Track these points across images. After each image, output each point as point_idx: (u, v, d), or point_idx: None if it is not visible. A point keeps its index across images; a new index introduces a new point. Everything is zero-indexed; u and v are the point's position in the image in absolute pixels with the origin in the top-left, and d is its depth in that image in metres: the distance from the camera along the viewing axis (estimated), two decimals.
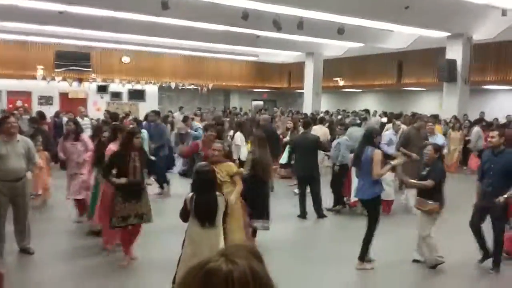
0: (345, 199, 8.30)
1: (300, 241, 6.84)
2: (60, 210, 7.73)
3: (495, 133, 5.46)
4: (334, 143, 8.35)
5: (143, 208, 5.35)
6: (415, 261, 5.67)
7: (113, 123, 8.71)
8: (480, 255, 5.62)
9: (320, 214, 7.87)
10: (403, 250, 5.92)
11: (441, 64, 14.59)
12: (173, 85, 22.00)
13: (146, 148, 8.01)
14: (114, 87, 20.93)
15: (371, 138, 5.58)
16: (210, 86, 22.98)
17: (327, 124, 11.84)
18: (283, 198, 8.95)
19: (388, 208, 8.08)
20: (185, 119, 11.76)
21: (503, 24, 13.98)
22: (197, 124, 11.42)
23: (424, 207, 5.41)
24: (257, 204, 5.82)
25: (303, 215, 7.83)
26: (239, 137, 9.20)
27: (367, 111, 12.88)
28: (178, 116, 15.38)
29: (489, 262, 5.51)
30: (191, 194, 4.22)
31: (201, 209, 4.13)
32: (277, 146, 10.11)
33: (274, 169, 9.80)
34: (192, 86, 22.70)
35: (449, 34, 14.21)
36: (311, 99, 20.18)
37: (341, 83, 21.92)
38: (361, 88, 22.14)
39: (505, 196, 5.18)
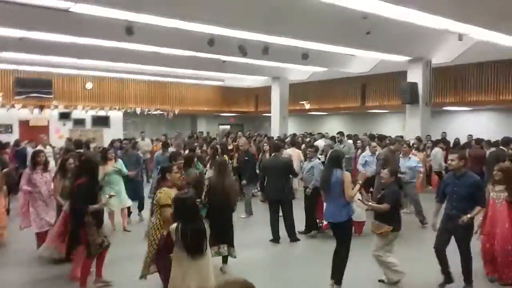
0: (318, 221, 8.24)
1: (271, 265, 6.73)
2: (17, 241, 7.36)
3: (454, 156, 5.42)
4: (307, 166, 8.31)
5: (104, 231, 5.60)
6: (380, 280, 5.77)
7: (77, 150, 8.47)
8: (441, 279, 5.55)
9: (292, 238, 7.77)
10: (375, 271, 5.88)
11: (403, 87, 14.99)
12: (138, 110, 21.69)
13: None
14: (77, 113, 20.38)
15: (339, 161, 5.61)
16: (176, 111, 22.78)
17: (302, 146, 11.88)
18: (261, 223, 8.78)
19: (360, 229, 8.10)
20: (166, 145, 11.32)
21: (460, 48, 14.58)
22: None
23: (378, 230, 5.55)
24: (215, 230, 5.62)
25: (275, 239, 7.71)
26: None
27: (341, 133, 12.94)
28: (140, 142, 15.10)
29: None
30: (175, 224, 4.05)
31: (190, 240, 3.95)
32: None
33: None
34: (158, 112, 22.43)
35: (410, 58, 14.67)
36: (278, 123, 20.30)
37: (307, 106, 22.21)
38: (327, 111, 22.49)
39: (469, 216, 5.20)
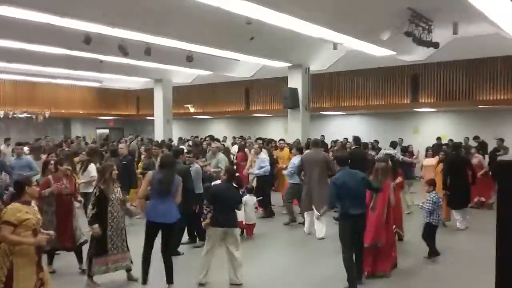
0: None
1: None
2: None
3: None
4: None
5: None
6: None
7: None
8: None
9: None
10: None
11: (284, 93, 15.53)
12: (1, 113, 19.29)
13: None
14: None
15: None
16: (47, 114, 20.74)
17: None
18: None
19: (250, 231, 8.22)
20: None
21: (334, 57, 15.59)
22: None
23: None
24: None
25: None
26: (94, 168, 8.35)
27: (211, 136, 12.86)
28: (4, 148, 13.40)
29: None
30: None
31: None
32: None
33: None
34: (25, 115, 20.21)
35: (290, 64, 15.26)
36: (162, 127, 19.66)
37: (192, 110, 21.91)
38: (212, 115, 22.44)
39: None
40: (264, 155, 10.33)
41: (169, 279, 5.50)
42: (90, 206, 5.61)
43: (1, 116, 19.36)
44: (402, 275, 6.28)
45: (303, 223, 8.85)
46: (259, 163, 9.98)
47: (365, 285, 5.78)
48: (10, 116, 19.69)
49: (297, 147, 10.04)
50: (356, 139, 10.87)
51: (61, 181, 6.05)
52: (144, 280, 5.53)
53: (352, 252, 5.61)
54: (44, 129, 21.64)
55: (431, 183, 7.18)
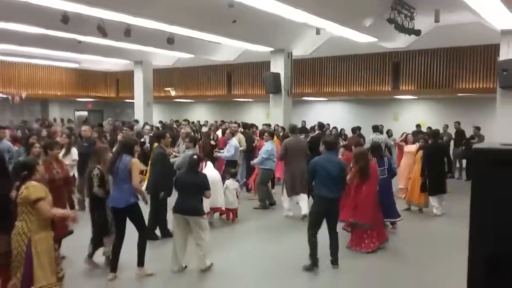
0: None
1: None
2: None
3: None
4: None
5: None
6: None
7: None
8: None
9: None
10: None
11: (266, 77, 15.46)
12: None
13: None
14: None
15: (131, 147, 5.55)
16: (24, 95, 20.25)
17: None
18: None
19: (233, 216, 8.22)
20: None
21: (317, 42, 15.56)
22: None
23: None
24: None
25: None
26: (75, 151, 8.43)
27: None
28: None
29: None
30: None
31: None
32: None
33: None
34: (1, 95, 19.70)
35: (273, 49, 15.17)
36: (142, 110, 19.42)
37: (173, 93, 21.68)
38: (193, 99, 22.25)
39: None
40: (235, 140, 10.20)
41: (139, 262, 5.51)
42: (96, 188, 5.51)
43: None
44: (381, 255, 6.48)
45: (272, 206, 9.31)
46: (228, 148, 9.95)
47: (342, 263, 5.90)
48: None
49: (269, 132, 9.92)
50: (321, 125, 11.72)
51: (51, 166, 5.64)
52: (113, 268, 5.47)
53: (317, 232, 5.77)
54: (21, 111, 21.18)
55: None
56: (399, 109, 17.44)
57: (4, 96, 19.75)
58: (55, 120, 18.76)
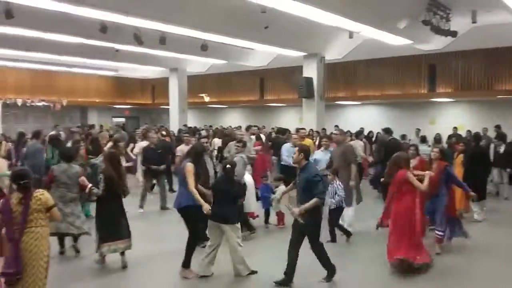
0: None
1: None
2: None
3: (296, 149, 5.42)
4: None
5: None
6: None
7: None
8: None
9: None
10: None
11: (299, 82, 15.44)
12: (19, 102, 19.58)
13: None
14: None
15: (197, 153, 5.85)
16: (64, 102, 21.01)
17: None
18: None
19: (280, 220, 8.13)
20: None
21: (350, 46, 15.44)
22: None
23: None
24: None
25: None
26: None
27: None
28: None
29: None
30: None
31: None
32: None
33: None
34: (43, 103, 20.49)
35: (305, 53, 15.15)
36: (178, 115, 19.77)
37: (207, 99, 21.95)
38: (227, 104, 22.46)
39: (296, 209, 5.15)
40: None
41: (183, 263, 5.70)
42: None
43: (19, 104, 19.66)
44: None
45: None
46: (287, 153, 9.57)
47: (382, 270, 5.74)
48: (28, 104, 19.98)
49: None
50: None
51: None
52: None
53: None
54: (62, 117, 21.94)
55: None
56: (435, 112, 17.04)
57: (46, 103, 20.53)
58: (94, 126, 19.31)
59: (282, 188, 7.48)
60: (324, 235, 5.51)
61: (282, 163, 9.88)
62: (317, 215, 5.23)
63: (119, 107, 24.92)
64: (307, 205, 5.06)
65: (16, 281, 4.06)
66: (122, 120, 25.43)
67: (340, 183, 7.06)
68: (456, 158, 9.01)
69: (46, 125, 19.93)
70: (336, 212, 7.03)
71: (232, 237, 5.53)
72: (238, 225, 5.77)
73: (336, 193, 6.97)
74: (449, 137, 12.65)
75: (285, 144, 10.02)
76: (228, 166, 5.77)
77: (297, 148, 5.41)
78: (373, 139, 15.05)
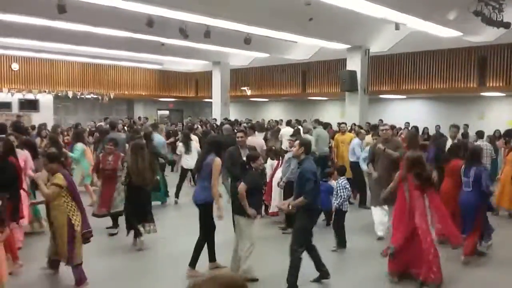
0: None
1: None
2: None
3: (296, 142, 5.21)
4: (286, 157, 7.40)
5: None
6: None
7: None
8: None
9: None
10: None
11: (342, 75, 15.25)
12: (70, 94, 20.45)
13: None
14: (2, 96, 18.88)
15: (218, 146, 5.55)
16: (112, 95, 21.76)
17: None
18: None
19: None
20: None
21: (395, 38, 15.06)
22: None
23: None
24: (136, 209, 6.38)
25: None
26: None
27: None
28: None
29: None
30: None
31: None
32: None
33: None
34: (92, 96, 21.30)
35: (349, 46, 14.93)
36: (220, 109, 20.03)
37: (249, 92, 22.09)
38: (268, 98, 22.51)
39: (288, 203, 5.06)
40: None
41: (190, 262, 5.41)
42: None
43: (70, 97, 20.53)
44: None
45: None
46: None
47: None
48: (78, 97, 20.83)
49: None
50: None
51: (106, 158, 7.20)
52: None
53: None
54: (109, 110, 22.71)
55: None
56: (485, 107, 16.38)
57: (95, 96, 21.33)
58: (139, 118, 19.88)
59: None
60: None
61: (351, 160, 9.21)
62: (304, 220, 4.89)
63: (164, 100, 25.51)
64: (296, 201, 4.91)
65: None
66: (167, 113, 26.02)
67: (343, 182, 6.52)
68: (507, 156, 8.63)
69: (94, 117, 20.69)
70: (339, 215, 6.54)
71: (244, 232, 5.19)
72: (255, 220, 5.28)
73: (337, 193, 6.48)
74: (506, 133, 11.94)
75: (355, 140, 9.49)
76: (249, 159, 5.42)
77: (298, 142, 5.12)
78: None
